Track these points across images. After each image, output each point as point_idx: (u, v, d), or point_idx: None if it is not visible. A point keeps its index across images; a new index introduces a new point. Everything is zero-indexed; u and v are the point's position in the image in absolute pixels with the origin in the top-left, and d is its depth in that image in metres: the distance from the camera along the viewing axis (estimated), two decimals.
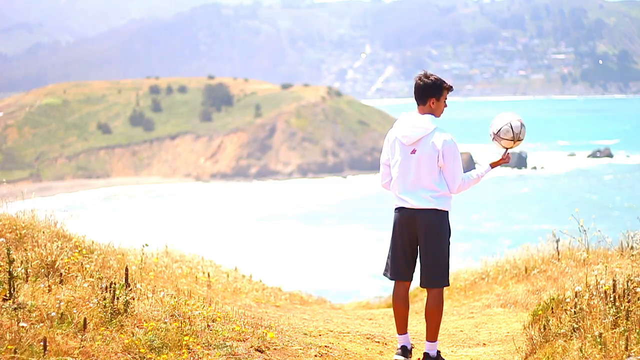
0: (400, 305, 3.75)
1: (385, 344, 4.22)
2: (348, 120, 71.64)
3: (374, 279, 25.43)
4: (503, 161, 3.86)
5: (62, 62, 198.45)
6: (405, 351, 3.76)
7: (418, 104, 3.72)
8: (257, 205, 52.12)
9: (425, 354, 3.71)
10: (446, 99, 3.75)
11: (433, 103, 3.69)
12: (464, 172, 3.76)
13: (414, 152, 3.65)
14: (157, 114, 75.41)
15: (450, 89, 3.74)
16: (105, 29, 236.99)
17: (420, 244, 3.67)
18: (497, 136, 3.83)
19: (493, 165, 3.85)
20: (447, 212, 3.70)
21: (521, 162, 67.38)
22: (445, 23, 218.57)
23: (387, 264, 3.79)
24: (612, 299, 3.34)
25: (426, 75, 3.70)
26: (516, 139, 3.81)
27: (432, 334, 3.69)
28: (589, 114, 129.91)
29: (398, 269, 3.73)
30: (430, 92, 3.68)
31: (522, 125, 3.83)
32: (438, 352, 3.72)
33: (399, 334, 3.79)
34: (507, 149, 3.86)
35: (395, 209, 3.74)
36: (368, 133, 69.81)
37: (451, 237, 3.75)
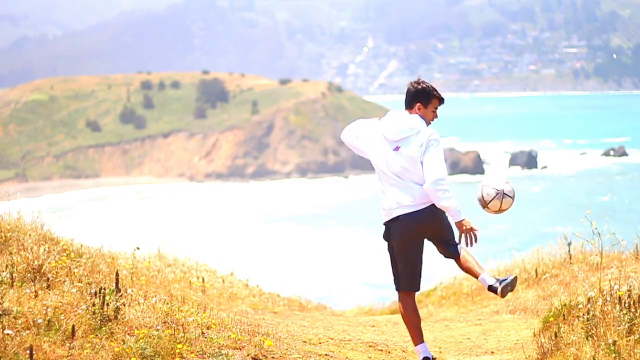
0: (415, 315, 3.78)
1: (389, 352, 4.15)
2: (349, 117, 71.51)
3: (368, 287, 25.35)
4: (464, 231, 3.73)
5: (49, 56, 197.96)
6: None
7: (405, 108, 3.83)
8: (254, 206, 52.09)
9: None
10: (436, 108, 3.83)
11: (420, 109, 3.78)
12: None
13: (397, 149, 3.70)
14: (149, 111, 75.05)
15: (440, 99, 3.83)
16: (95, 21, 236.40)
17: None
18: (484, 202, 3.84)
19: (459, 223, 3.72)
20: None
21: (531, 161, 67.12)
22: (452, 15, 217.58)
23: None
24: (626, 304, 3.27)
25: (417, 82, 3.84)
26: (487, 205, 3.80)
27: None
28: (602, 110, 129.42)
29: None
30: (419, 97, 3.78)
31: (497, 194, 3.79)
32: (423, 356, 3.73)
33: (418, 344, 3.75)
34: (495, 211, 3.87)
35: (398, 216, 3.73)
36: None
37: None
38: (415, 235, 3.68)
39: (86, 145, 70.11)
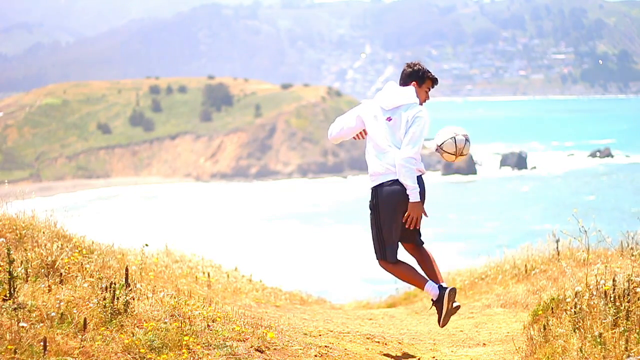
0: (410, 267, 3.80)
1: (385, 344, 4.18)
2: None
3: (366, 282, 25.36)
4: (414, 213, 3.73)
5: (62, 62, 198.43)
6: (443, 287, 3.73)
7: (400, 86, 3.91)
8: (257, 205, 52.12)
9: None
10: (429, 90, 3.88)
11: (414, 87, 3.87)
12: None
13: (389, 119, 3.76)
14: (157, 114, 75.39)
15: (434, 80, 3.88)
16: (105, 29, 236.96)
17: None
18: (439, 148, 3.84)
19: (414, 203, 3.73)
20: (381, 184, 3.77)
21: (521, 162, 67.30)
22: (446, 23, 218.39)
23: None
24: (612, 299, 3.35)
25: (414, 63, 3.91)
26: (458, 153, 3.81)
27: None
28: (589, 114, 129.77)
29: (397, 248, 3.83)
30: (414, 77, 3.87)
31: (466, 140, 3.82)
32: (439, 288, 3.72)
33: (425, 284, 3.71)
34: (450, 160, 3.88)
35: (387, 181, 3.75)
36: None
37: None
38: (402, 201, 3.70)
39: (97, 146, 70.42)
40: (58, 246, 4.18)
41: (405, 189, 3.71)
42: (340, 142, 4.05)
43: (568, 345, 3.20)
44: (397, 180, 3.71)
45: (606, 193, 50.73)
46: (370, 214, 3.84)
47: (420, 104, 3.84)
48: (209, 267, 7.23)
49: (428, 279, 3.75)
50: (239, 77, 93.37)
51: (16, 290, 3.33)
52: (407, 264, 3.79)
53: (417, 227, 3.73)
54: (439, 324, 3.74)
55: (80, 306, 3.35)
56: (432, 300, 3.78)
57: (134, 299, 3.60)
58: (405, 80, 3.87)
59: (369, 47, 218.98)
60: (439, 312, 3.72)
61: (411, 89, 3.80)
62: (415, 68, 3.85)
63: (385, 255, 3.79)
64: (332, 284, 25.96)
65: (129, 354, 3.10)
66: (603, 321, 3.23)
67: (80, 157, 69.44)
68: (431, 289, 3.71)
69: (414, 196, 3.68)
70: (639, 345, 2.99)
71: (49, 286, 3.56)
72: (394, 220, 3.75)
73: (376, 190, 3.78)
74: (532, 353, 3.50)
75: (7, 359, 2.80)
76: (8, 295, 3.31)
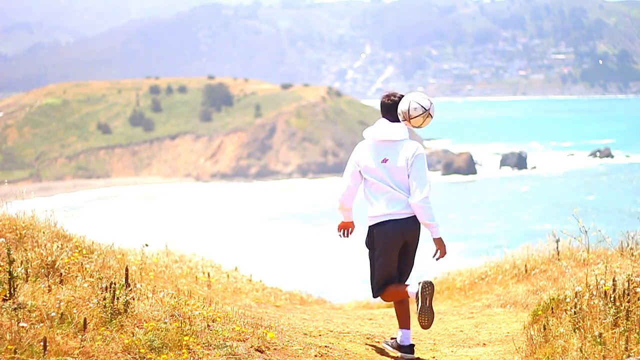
0: (398, 286, 3.85)
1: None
2: (348, 120, 71.69)
3: (365, 282, 25.30)
4: (441, 247, 3.80)
5: (62, 62, 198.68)
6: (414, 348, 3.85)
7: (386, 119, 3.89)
8: (257, 205, 52.14)
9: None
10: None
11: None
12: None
13: (385, 161, 3.77)
14: (157, 114, 75.43)
15: None
16: (105, 29, 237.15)
17: (405, 250, 3.82)
18: (399, 108, 3.85)
19: (438, 239, 3.80)
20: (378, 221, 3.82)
21: (521, 162, 67.31)
22: (446, 23, 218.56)
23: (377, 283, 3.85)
24: (612, 299, 3.36)
25: (394, 94, 3.87)
26: (406, 117, 3.80)
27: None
28: (589, 114, 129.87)
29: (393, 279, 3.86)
30: (396, 108, 3.85)
31: (422, 109, 3.77)
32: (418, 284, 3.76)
33: (408, 287, 3.76)
34: (401, 120, 3.86)
35: (384, 221, 3.79)
36: None
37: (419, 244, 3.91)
38: (395, 240, 3.77)
39: (97, 146, 70.48)
40: (58, 246, 4.19)
41: (399, 229, 3.76)
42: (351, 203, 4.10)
43: (568, 345, 3.20)
44: (393, 220, 3.77)
45: (606, 193, 50.71)
46: (368, 251, 3.93)
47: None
48: (209, 267, 7.24)
49: (409, 284, 3.81)
50: (239, 77, 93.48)
51: (16, 290, 3.33)
52: (389, 285, 3.84)
53: (445, 256, 3.80)
54: (418, 321, 3.70)
55: (80, 306, 3.36)
56: None
57: (134, 299, 3.61)
58: (387, 112, 3.85)
59: (369, 47, 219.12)
60: (417, 309, 3.71)
61: (402, 124, 3.81)
62: (396, 99, 3.83)
63: (373, 291, 3.91)
64: (332, 284, 25.92)
65: (129, 354, 3.11)
66: (603, 321, 3.24)
67: (80, 157, 69.49)
68: (412, 290, 3.74)
69: (435, 233, 3.77)
70: (639, 345, 3.01)
71: (49, 286, 3.57)
72: (386, 258, 3.81)
73: (372, 229, 3.86)
74: (532, 353, 3.51)
75: (7, 359, 2.80)
76: (8, 295, 3.32)
